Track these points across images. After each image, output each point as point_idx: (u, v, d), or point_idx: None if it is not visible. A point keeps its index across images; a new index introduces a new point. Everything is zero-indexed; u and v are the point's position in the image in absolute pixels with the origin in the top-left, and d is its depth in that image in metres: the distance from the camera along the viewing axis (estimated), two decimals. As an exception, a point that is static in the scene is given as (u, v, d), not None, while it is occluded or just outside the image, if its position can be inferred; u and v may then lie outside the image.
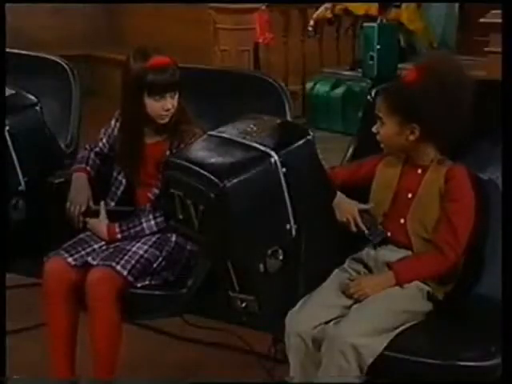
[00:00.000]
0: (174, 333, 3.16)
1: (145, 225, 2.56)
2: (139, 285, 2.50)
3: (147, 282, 2.52)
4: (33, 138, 2.77)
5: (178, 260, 2.56)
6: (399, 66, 5.11)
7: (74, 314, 2.55)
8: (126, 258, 2.48)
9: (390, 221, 2.29)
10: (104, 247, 2.58)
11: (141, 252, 2.51)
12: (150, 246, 2.53)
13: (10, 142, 2.64)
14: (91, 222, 2.62)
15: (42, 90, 2.94)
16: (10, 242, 2.58)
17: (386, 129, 2.24)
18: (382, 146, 2.29)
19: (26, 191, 2.71)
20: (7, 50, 3.09)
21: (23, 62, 3.27)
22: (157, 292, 2.51)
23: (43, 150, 2.82)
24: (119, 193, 2.71)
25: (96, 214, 2.63)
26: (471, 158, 2.33)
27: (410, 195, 2.27)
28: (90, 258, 2.52)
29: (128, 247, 2.52)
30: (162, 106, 2.54)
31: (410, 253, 2.25)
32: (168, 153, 2.54)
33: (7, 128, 2.64)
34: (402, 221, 2.26)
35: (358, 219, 2.28)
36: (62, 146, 3.08)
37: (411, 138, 2.22)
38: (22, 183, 2.70)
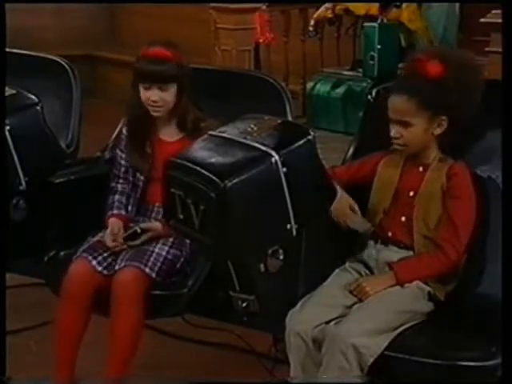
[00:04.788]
0: (174, 333, 3.16)
1: None
2: (165, 285, 2.50)
3: (170, 283, 2.52)
4: (33, 137, 2.77)
5: (195, 259, 2.55)
6: (400, 65, 5.10)
7: (88, 318, 2.56)
8: (152, 259, 2.50)
9: (390, 219, 2.29)
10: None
11: (164, 253, 2.53)
12: (171, 247, 2.55)
13: (10, 142, 2.65)
14: (149, 225, 2.62)
15: (42, 90, 2.94)
16: (11, 242, 2.58)
17: (414, 129, 2.21)
18: (400, 148, 2.25)
19: (26, 191, 2.71)
20: (8, 49, 3.09)
21: (24, 61, 3.27)
22: (157, 292, 2.52)
23: (44, 150, 2.82)
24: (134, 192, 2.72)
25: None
26: (471, 156, 2.33)
27: (411, 193, 2.26)
28: (113, 262, 2.52)
29: (150, 248, 2.53)
30: (149, 97, 2.57)
31: (411, 253, 2.24)
32: None
33: (8, 128, 2.64)
34: (403, 219, 2.26)
35: (349, 210, 2.26)
36: (63, 145, 3.07)
37: (438, 131, 2.23)
38: (23, 183, 2.70)
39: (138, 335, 2.49)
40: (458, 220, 2.19)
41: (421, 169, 2.28)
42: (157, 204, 2.64)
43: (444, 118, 2.22)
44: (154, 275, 2.48)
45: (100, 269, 2.52)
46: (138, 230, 2.59)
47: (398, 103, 2.23)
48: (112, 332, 2.48)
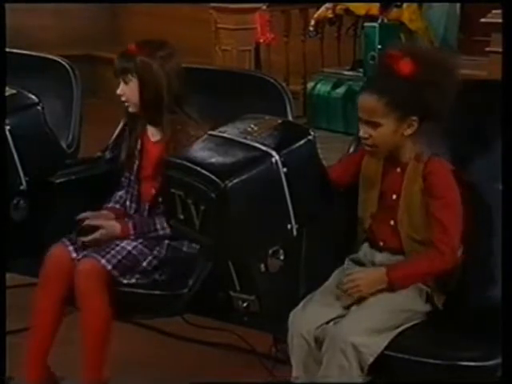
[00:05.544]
0: (174, 333, 3.15)
1: (161, 232, 2.55)
2: (125, 281, 2.50)
3: (134, 281, 2.52)
4: (34, 137, 2.77)
5: (171, 262, 2.56)
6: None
7: (62, 305, 2.55)
8: (113, 252, 2.49)
9: (380, 224, 2.24)
10: None
11: (129, 248, 2.52)
12: (140, 243, 2.54)
13: (11, 142, 2.65)
14: (104, 223, 2.60)
15: (43, 90, 2.94)
16: (11, 242, 2.58)
17: (383, 130, 2.14)
18: (369, 149, 2.18)
19: (27, 191, 2.72)
20: (9, 49, 3.09)
21: (25, 61, 3.27)
22: (158, 292, 2.51)
23: (45, 150, 2.82)
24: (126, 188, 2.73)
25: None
26: (471, 159, 2.33)
27: (394, 196, 2.21)
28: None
29: (118, 242, 2.53)
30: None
31: (403, 257, 2.21)
32: (166, 152, 2.55)
33: (9, 127, 2.65)
34: (392, 222, 2.21)
35: None
36: (64, 145, 3.08)
37: (408, 131, 2.15)
38: (24, 183, 2.70)
39: (105, 329, 2.47)
40: (442, 217, 2.13)
41: (398, 170, 2.21)
42: (148, 204, 2.64)
43: (415, 118, 2.14)
44: (109, 267, 2.46)
45: (74, 255, 2.52)
46: (86, 227, 2.57)
47: (366, 102, 2.15)
48: (81, 328, 2.48)
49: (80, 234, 2.57)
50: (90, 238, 2.55)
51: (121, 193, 2.73)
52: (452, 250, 2.14)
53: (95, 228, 2.57)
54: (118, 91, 2.63)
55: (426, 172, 2.17)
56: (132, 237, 2.56)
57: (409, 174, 2.19)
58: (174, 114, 2.61)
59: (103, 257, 2.47)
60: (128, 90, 2.62)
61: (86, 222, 2.59)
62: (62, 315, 2.57)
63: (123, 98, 2.64)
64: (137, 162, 2.68)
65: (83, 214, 2.62)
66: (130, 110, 2.66)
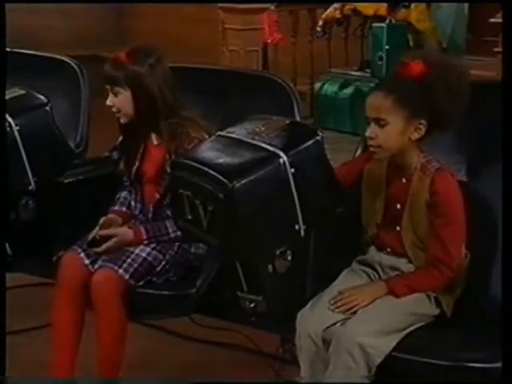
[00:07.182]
0: (181, 332, 3.16)
1: (172, 235, 2.55)
2: (141, 283, 2.50)
3: (149, 278, 2.52)
4: (43, 137, 2.78)
5: (181, 263, 2.56)
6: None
7: (81, 311, 2.56)
8: (129, 260, 2.48)
9: (385, 230, 2.24)
10: None
11: (144, 255, 2.51)
12: (153, 249, 2.53)
13: (20, 142, 2.66)
14: (116, 231, 2.59)
15: (51, 90, 2.94)
16: (18, 242, 2.58)
17: (389, 128, 2.12)
18: (375, 150, 2.16)
19: (35, 191, 2.72)
20: (16, 50, 3.10)
21: (32, 62, 3.28)
22: (166, 292, 2.52)
23: (53, 150, 2.83)
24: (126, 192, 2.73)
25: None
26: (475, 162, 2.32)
27: (398, 206, 2.21)
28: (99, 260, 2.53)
29: (132, 249, 2.52)
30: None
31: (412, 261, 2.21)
32: (167, 156, 2.54)
33: (18, 128, 2.65)
34: (398, 228, 2.21)
35: None
36: (72, 145, 3.08)
37: (416, 135, 2.14)
38: (32, 183, 2.71)
39: (121, 334, 2.48)
40: (446, 237, 2.14)
41: (404, 180, 2.20)
42: (151, 205, 2.64)
43: (422, 121, 2.13)
44: (127, 277, 2.46)
45: (87, 262, 2.52)
46: (97, 237, 2.56)
47: (374, 100, 2.14)
48: (95, 333, 2.49)
49: (92, 244, 2.55)
50: (103, 248, 2.54)
51: (124, 193, 2.73)
52: (451, 269, 2.15)
53: (107, 236, 2.56)
54: (108, 102, 2.59)
55: (433, 189, 2.15)
56: (145, 242, 2.55)
57: (414, 186, 2.18)
58: (171, 118, 2.58)
59: (120, 266, 2.46)
60: (118, 102, 2.58)
61: (99, 233, 2.57)
62: (84, 320, 2.57)
63: (114, 109, 2.60)
64: (136, 164, 2.66)
65: (98, 228, 2.60)
66: (122, 120, 2.62)
